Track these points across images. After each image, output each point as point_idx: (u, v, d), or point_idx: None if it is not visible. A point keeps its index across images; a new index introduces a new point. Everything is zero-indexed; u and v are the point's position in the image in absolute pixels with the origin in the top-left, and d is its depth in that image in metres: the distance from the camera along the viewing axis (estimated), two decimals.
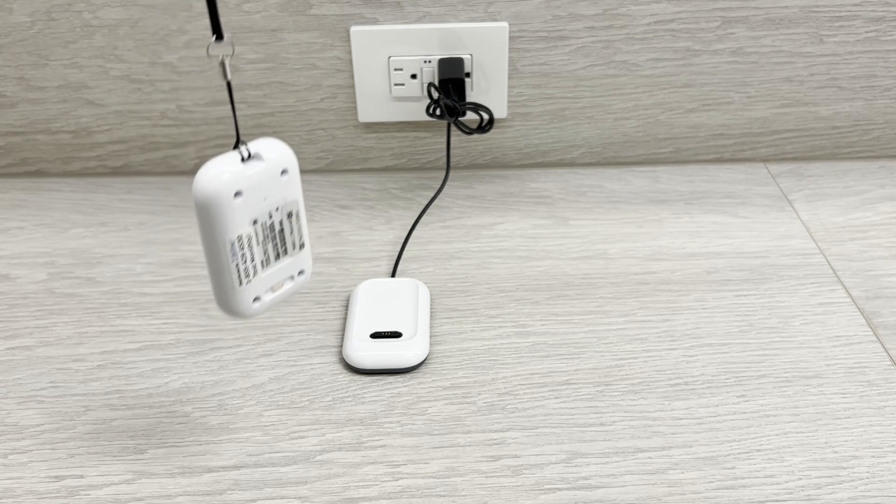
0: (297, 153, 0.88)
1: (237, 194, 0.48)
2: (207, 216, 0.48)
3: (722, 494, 0.53)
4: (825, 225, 0.80)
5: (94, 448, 0.57)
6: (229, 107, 0.85)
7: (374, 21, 0.81)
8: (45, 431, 0.58)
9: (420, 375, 0.63)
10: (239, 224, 0.49)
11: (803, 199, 0.84)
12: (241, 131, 0.86)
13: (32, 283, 0.73)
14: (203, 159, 0.88)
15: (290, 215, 0.52)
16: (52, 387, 0.62)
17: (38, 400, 0.61)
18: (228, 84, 0.49)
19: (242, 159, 0.49)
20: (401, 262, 0.75)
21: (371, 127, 0.87)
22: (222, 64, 0.48)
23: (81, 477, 0.55)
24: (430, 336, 0.66)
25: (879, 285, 0.72)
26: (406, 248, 0.76)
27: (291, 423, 0.59)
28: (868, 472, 0.54)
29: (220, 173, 0.48)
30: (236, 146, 0.49)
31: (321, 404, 0.60)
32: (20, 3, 0.79)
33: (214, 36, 0.48)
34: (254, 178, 0.49)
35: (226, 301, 0.51)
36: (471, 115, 0.81)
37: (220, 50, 0.48)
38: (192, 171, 0.89)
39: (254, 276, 0.51)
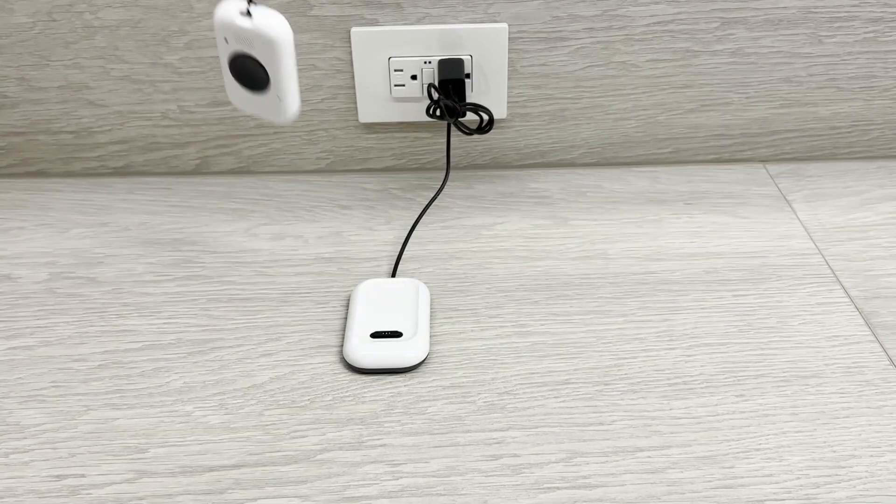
0: (298, 154, 0.88)
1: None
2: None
3: (721, 493, 0.53)
4: (824, 225, 0.80)
5: (95, 447, 0.57)
6: (230, 107, 0.85)
7: (375, 22, 0.81)
8: (46, 431, 0.58)
9: (420, 375, 0.63)
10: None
11: (802, 200, 0.84)
12: (242, 131, 0.87)
13: (34, 283, 0.73)
14: (204, 160, 0.88)
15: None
16: (53, 386, 0.62)
17: (40, 399, 0.61)
18: None
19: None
20: (401, 262, 0.75)
21: (371, 127, 0.87)
22: None
23: (83, 476, 0.55)
24: (430, 336, 0.66)
25: (878, 285, 0.72)
26: (406, 248, 0.77)
27: (292, 423, 0.59)
28: (866, 471, 0.55)
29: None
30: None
31: (321, 404, 0.61)
32: (21, 4, 0.80)
33: None
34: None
35: None
36: (471, 116, 0.82)
37: None
38: (193, 172, 0.89)
39: None
